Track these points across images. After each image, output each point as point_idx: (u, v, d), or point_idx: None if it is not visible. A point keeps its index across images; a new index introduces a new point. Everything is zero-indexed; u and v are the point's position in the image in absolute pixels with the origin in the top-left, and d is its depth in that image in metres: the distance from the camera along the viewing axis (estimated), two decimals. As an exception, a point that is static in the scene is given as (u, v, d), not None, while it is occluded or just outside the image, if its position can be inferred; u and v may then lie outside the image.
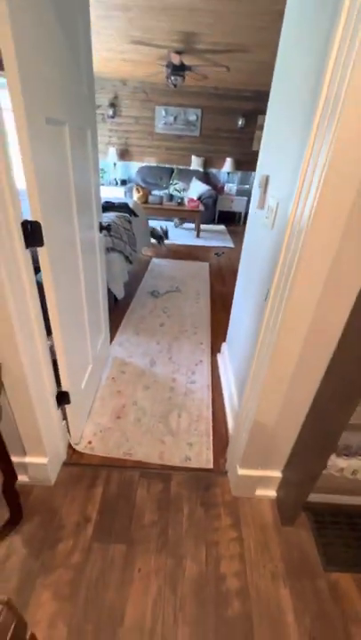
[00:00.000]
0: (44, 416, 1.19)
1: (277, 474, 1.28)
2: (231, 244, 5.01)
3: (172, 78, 3.68)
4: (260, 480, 1.29)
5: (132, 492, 1.33)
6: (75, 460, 1.45)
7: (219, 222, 6.23)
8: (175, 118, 5.97)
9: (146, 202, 4.98)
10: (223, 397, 1.89)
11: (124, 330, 2.52)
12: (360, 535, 1.23)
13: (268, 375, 0.99)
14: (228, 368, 1.98)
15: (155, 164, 6.28)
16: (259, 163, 1.53)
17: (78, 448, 1.50)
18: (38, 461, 1.25)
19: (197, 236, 5.22)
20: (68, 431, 1.48)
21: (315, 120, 0.73)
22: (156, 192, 5.55)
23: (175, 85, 3.80)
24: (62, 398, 1.31)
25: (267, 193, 1.38)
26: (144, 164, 6.26)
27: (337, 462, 1.11)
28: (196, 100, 5.80)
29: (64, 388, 1.30)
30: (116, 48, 3.71)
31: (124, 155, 6.30)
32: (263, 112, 6.26)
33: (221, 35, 3.11)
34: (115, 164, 6.25)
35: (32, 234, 0.93)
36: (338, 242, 0.78)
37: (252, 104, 5.77)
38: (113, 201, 3.35)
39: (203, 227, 5.45)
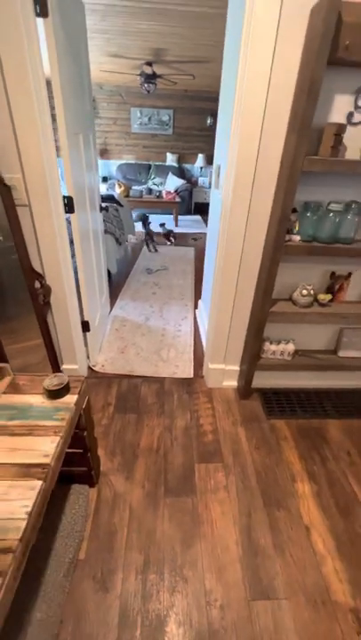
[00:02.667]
0: (76, 334, 1.74)
1: (236, 367, 1.89)
2: (206, 231, 5.62)
3: (146, 85, 4.23)
4: (225, 373, 1.90)
5: (137, 389, 1.91)
6: (93, 375, 2.01)
7: (195, 213, 6.83)
8: (150, 119, 6.50)
9: (127, 195, 5.51)
10: (202, 339, 2.49)
11: (123, 297, 3.08)
12: (290, 402, 1.86)
13: (223, 285, 1.60)
14: (203, 316, 2.59)
15: (133, 162, 6.79)
16: (215, 155, 2.12)
17: (95, 369, 2.07)
18: (72, 367, 1.81)
19: (176, 225, 5.80)
20: (88, 357, 2.04)
21: (232, 128, 1.33)
22: (135, 187, 6.08)
23: (149, 92, 4.35)
24: (85, 325, 1.87)
25: (220, 177, 1.97)
26: (123, 162, 6.77)
27: (270, 347, 1.73)
28: (168, 102, 6.35)
29: (86, 318, 1.86)
30: (95, 60, 4.22)
31: (103, 153, 6.78)
32: (230, 111, 6.96)
33: (186, 49, 3.68)
34: (96, 163, 6.72)
35: (68, 204, 1.49)
36: (249, 193, 1.39)
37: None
38: (100, 194, 3.87)
39: (180, 217, 6.03)
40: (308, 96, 1.06)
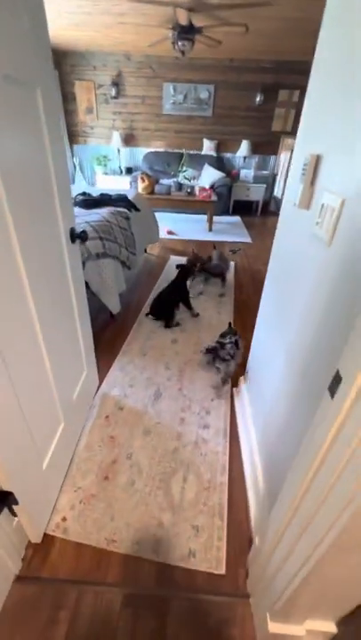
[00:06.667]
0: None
1: (332, 628, 0.83)
2: (248, 239, 4.46)
3: (180, 44, 3.11)
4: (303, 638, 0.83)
5: (108, 631, 0.91)
6: (33, 568, 1.03)
7: (233, 213, 5.64)
8: (185, 97, 5.35)
9: (152, 192, 4.47)
10: (242, 453, 1.44)
11: (127, 350, 2.07)
12: None
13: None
14: (247, 418, 1.52)
15: (162, 150, 5.70)
16: (300, 138, 1.03)
17: (47, 531, 1.11)
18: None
19: (210, 229, 4.68)
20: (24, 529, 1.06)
21: None
22: (164, 181, 5.02)
23: (183, 53, 3.23)
24: (4, 499, 0.88)
25: (316, 184, 0.88)
26: (151, 150, 5.70)
27: None
28: (208, 75, 5.16)
29: (5, 488, 0.87)
30: (113, 9, 3.15)
31: (129, 140, 5.74)
32: (286, 86, 5.51)
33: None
34: (119, 151, 5.72)
35: None
36: None
37: (273, 77, 5.09)
38: (110, 193, 2.86)
39: (216, 218, 4.87)
40: None
